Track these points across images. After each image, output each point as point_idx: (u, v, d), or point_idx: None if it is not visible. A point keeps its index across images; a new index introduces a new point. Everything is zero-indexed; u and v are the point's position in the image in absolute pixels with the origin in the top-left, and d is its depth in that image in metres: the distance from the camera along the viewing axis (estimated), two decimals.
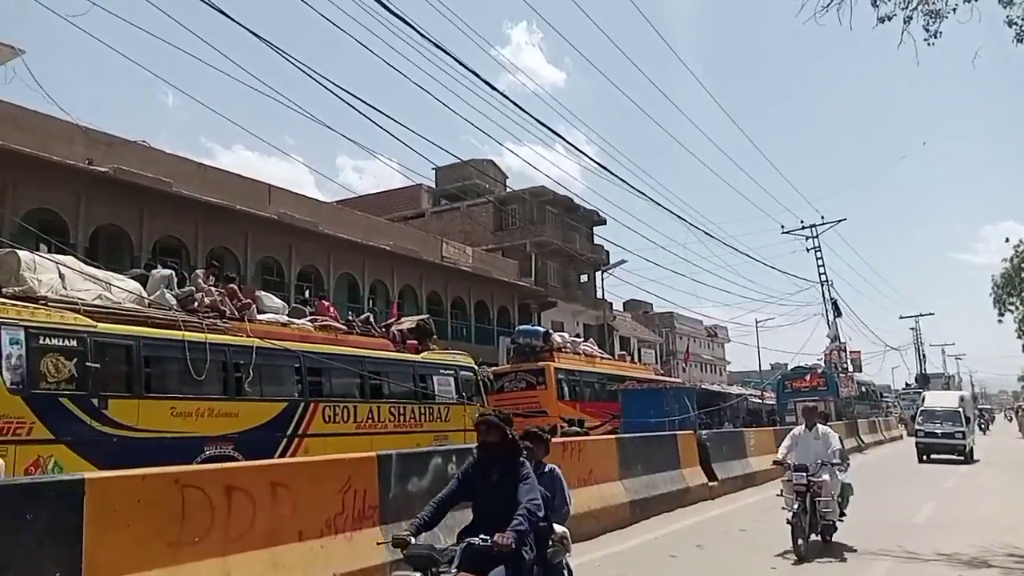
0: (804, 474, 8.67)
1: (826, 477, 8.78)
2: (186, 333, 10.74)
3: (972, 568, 7.71)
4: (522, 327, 24.99)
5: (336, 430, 12.67)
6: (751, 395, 42.50)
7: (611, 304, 46.57)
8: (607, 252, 45.38)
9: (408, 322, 16.64)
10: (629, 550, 9.04)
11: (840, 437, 9.51)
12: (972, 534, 9.50)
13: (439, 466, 7.71)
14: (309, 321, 13.65)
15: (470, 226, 41.26)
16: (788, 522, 8.39)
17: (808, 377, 35.47)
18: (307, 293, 26.15)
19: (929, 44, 10.60)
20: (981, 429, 38.02)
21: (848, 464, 9.69)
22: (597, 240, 46.56)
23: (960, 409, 23.44)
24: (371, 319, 15.66)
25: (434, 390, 15.20)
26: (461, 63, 11.84)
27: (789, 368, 40.87)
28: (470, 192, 42.55)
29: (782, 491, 8.93)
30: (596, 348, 26.36)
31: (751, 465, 16.90)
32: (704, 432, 16.34)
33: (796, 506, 8.47)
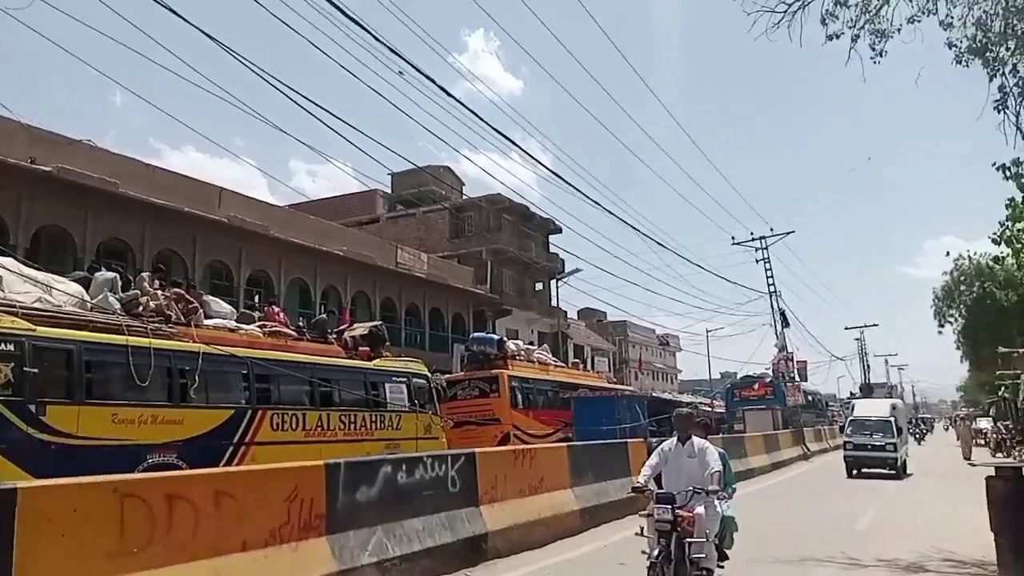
0: (669, 507, 6.28)
1: (700, 509, 6.38)
2: (129, 338, 10.45)
3: (910, 573, 7.95)
4: (476, 334, 24.93)
5: (284, 438, 12.46)
6: (701, 403, 43.14)
7: (566, 312, 46.83)
8: (562, 260, 45.66)
9: (361, 328, 16.48)
10: (580, 557, 9.10)
11: (723, 454, 7.13)
12: (911, 541, 9.79)
13: (389, 475, 7.66)
14: (258, 327, 13.42)
15: (426, 232, 41.12)
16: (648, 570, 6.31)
17: (756, 386, 36.23)
18: (257, 298, 25.66)
19: (875, 62, 10.97)
20: (916, 439, 38.75)
21: (733, 491, 7.57)
22: (553, 248, 46.84)
23: (892, 419, 21.64)
24: (325, 321, 15.45)
25: (386, 398, 15.07)
26: (418, 69, 11.83)
27: (738, 377, 41.69)
28: (426, 198, 42.41)
29: (641, 529, 6.72)
30: (550, 356, 26.43)
31: None
32: (655, 440, 16.50)
33: (657, 550, 6.27)
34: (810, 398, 46.87)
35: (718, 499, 6.76)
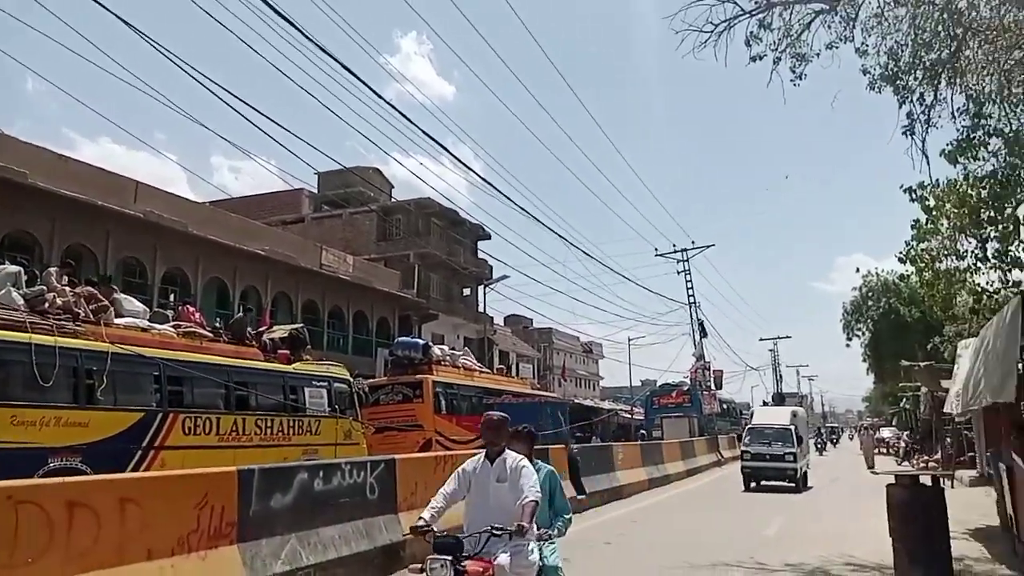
0: (448, 559, 4.16)
1: (503, 559, 4.41)
2: (33, 335, 9.94)
3: None
4: (401, 339, 24.70)
5: (196, 443, 12.06)
6: (622, 410, 43.91)
7: (492, 318, 46.90)
8: (490, 267, 45.74)
9: (281, 331, 16.12)
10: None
11: (552, 474, 5.30)
12: (816, 546, 10.17)
13: (305, 482, 7.51)
14: (172, 327, 12.96)
15: (352, 234, 40.55)
16: None
17: (674, 394, 37.08)
18: (172, 297, 24.82)
19: (795, 85, 11.44)
20: (818, 448, 39.12)
21: (565, 525, 5.25)
22: (481, 254, 46.87)
23: (792, 427, 20.22)
24: (243, 322, 15.03)
25: (305, 402, 14.78)
26: (347, 68, 11.67)
27: (657, 385, 42.60)
28: (354, 200, 41.85)
29: None
30: (475, 362, 26.44)
31: (618, 479, 17.45)
32: (575, 447, 16.72)
33: None
34: (725, 406, 48.31)
35: (537, 541, 4.74)
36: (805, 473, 20.56)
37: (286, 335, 15.70)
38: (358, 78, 12.01)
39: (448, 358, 23.02)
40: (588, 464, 15.73)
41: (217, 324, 14.91)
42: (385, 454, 11.92)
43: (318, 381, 15.40)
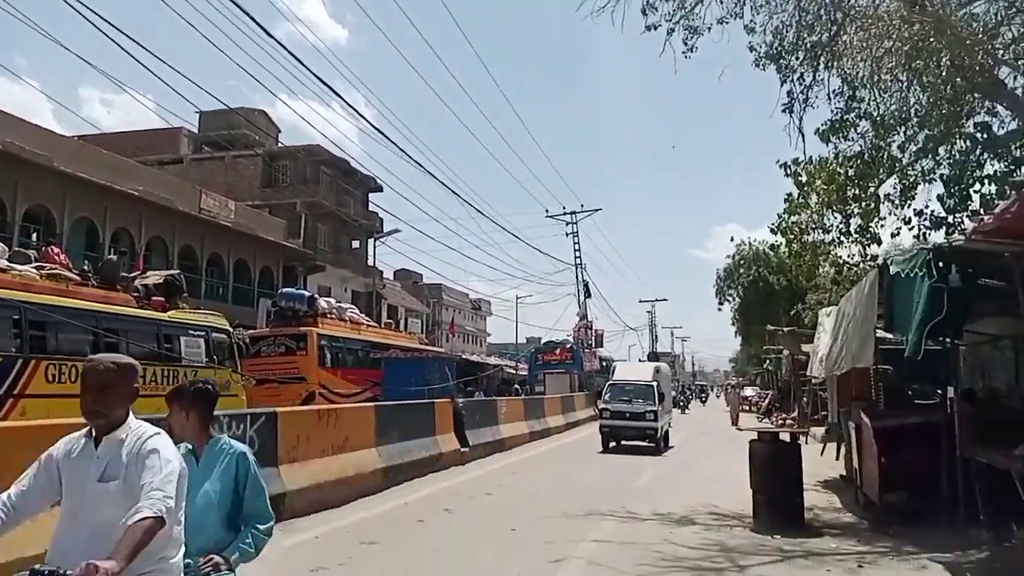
0: None
1: None
2: None
3: (681, 525, 8.77)
4: (285, 290, 23.98)
5: (62, 391, 11.32)
6: (507, 366, 44.66)
7: (381, 272, 46.28)
8: (381, 220, 44.94)
9: (155, 276, 15.27)
10: (379, 515, 9.13)
11: (241, 457, 3.27)
12: (683, 497, 10.78)
13: None
14: (34, 268, 12.03)
15: (235, 178, 38.69)
16: None
17: (558, 351, 38.05)
18: (35, 236, 22.99)
19: (687, 57, 11.75)
20: (680, 406, 39.54)
21: (257, 540, 3.25)
22: (372, 207, 45.92)
23: (654, 384, 19.12)
24: (114, 265, 14.11)
25: (181, 352, 14.15)
26: (234, 2, 11.01)
27: (542, 342, 43.53)
28: (237, 142, 39.81)
29: None
30: (362, 315, 26.08)
31: (501, 432, 17.81)
32: (461, 400, 16.91)
33: None
34: (605, 364, 49.99)
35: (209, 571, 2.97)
36: (667, 432, 19.57)
37: (161, 281, 14.90)
38: (246, 12, 11.37)
39: (334, 311, 22.59)
40: (472, 417, 15.96)
41: (85, 267, 13.93)
42: (266, 407, 11.66)
43: (195, 330, 14.76)
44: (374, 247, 40.96)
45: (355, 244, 45.85)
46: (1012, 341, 10.69)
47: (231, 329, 16.20)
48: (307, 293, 23.06)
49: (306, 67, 14.53)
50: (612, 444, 18.27)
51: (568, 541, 7.66)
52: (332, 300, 24.82)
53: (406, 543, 7.65)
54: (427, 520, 8.88)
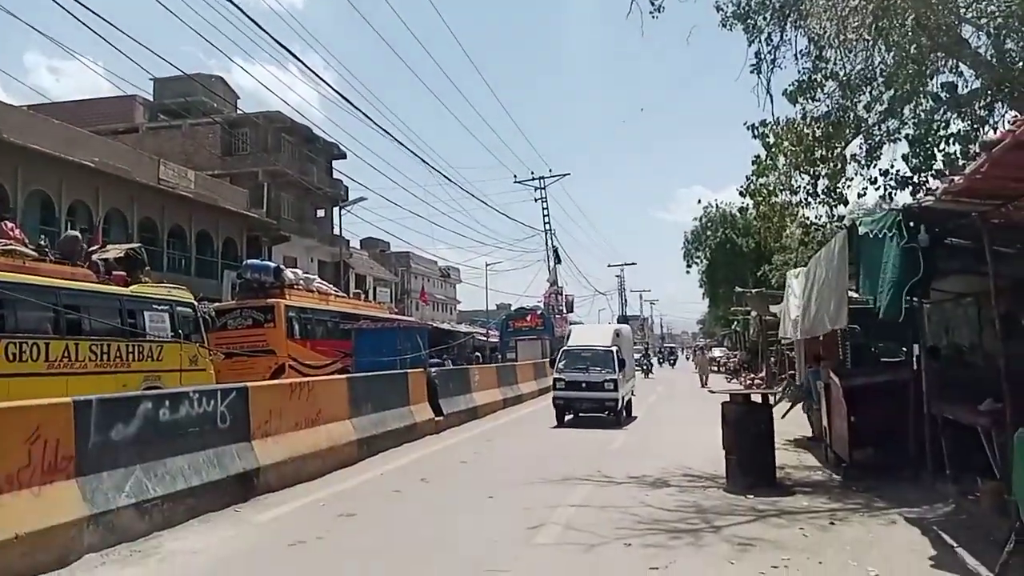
0: None
1: None
2: None
3: (655, 487, 8.90)
4: (250, 261, 23.62)
5: (22, 370, 11.10)
6: (478, 333, 44.73)
7: (348, 241, 45.83)
8: (346, 188, 44.35)
9: (115, 250, 14.91)
10: (355, 487, 9.13)
11: None
12: (657, 458, 10.95)
13: (150, 411, 7.10)
14: None
15: (193, 147, 37.76)
16: None
17: (528, 318, 38.19)
18: None
19: (654, 17, 11.65)
20: (644, 370, 38.74)
21: None
22: (336, 175, 45.26)
23: (614, 349, 16.92)
24: (74, 241, 13.72)
25: (145, 327, 13.89)
26: None
27: (512, 309, 43.63)
28: (194, 110, 38.76)
29: None
30: (330, 286, 25.83)
31: (475, 400, 17.88)
32: (433, 369, 16.90)
33: None
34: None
35: None
36: (629, 402, 17.81)
37: (122, 255, 14.56)
38: None
39: (302, 282, 22.33)
40: (446, 387, 15.98)
41: (42, 242, 13.53)
42: (234, 380, 11.53)
43: (159, 304, 14.49)
44: (340, 216, 40.53)
45: (320, 213, 45.25)
46: (975, 299, 10.93)
47: (196, 302, 15.94)
48: (273, 264, 22.77)
49: (263, 29, 14.07)
50: (568, 417, 16.62)
51: (546, 507, 7.74)
52: (299, 271, 24.51)
53: (383, 514, 7.66)
54: (404, 491, 8.90)
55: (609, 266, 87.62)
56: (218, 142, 38.78)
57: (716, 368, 38.91)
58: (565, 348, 17.86)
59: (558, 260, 41.32)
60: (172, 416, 7.39)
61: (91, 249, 14.52)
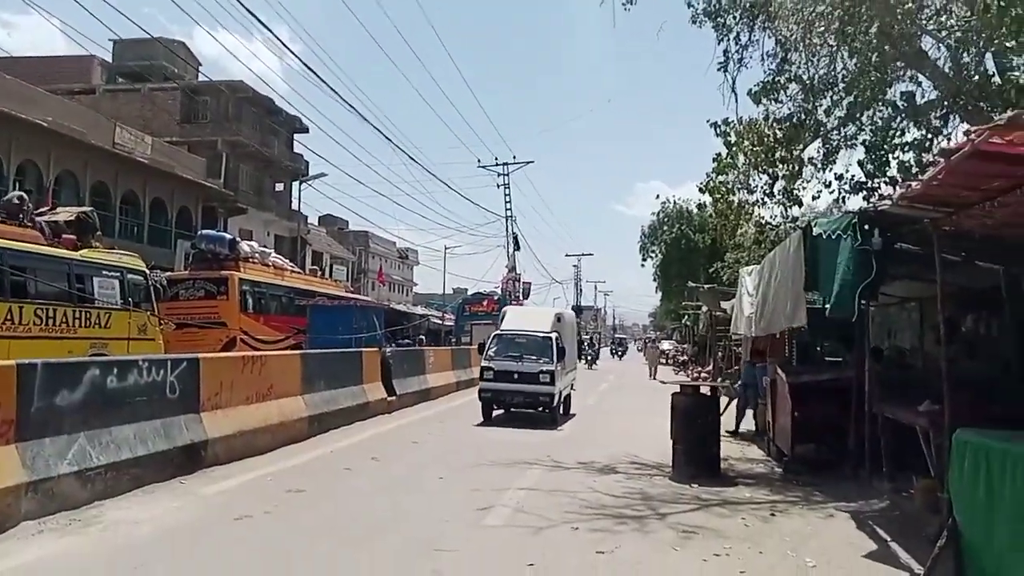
0: None
1: None
2: None
3: (603, 473, 8.98)
4: (205, 231, 23.07)
5: None
6: (433, 316, 44.55)
7: (306, 217, 45.14)
8: (307, 162, 43.66)
9: (66, 213, 14.40)
10: (305, 464, 9.01)
11: None
12: (606, 445, 11.05)
13: (97, 378, 6.89)
14: None
15: (152, 112, 36.66)
16: None
17: (485, 303, 38.11)
18: None
19: (627, 9, 11.66)
20: (587, 360, 37.80)
21: None
22: (298, 148, 44.48)
23: (553, 336, 14.73)
24: (21, 201, 13.19)
25: (94, 293, 13.48)
26: None
27: (469, 293, 43.54)
28: (155, 74, 37.63)
29: None
30: (286, 261, 25.41)
31: (428, 381, 17.81)
32: (388, 349, 16.76)
33: None
34: None
35: None
36: (568, 398, 15.72)
37: (72, 218, 14.06)
38: None
39: (257, 255, 21.92)
40: (401, 367, 15.87)
41: None
42: (184, 351, 11.27)
43: (109, 271, 14.06)
44: (299, 190, 39.84)
45: (279, 187, 44.47)
46: (918, 303, 11.24)
47: (147, 271, 15.52)
48: (228, 236, 22.29)
49: None
50: (497, 413, 14.45)
51: (495, 489, 7.74)
52: (254, 244, 24.02)
53: (332, 491, 7.58)
54: (354, 468, 8.82)
55: (567, 255, 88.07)
56: (178, 108, 37.75)
57: (665, 361, 39.44)
58: (497, 332, 15.61)
59: (517, 247, 41.33)
60: (120, 384, 7.18)
61: (39, 211, 14.00)
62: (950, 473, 5.13)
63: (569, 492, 7.73)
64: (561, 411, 14.82)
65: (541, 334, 14.89)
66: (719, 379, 19.94)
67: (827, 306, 7.37)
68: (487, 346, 14.90)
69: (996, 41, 8.65)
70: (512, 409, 14.43)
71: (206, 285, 19.51)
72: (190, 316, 18.46)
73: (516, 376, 13.93)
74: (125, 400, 7.21)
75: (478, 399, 14.19)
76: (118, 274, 14.23)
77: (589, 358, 38.97)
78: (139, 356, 8.97)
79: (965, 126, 9.12)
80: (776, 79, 11.77)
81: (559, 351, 14.43)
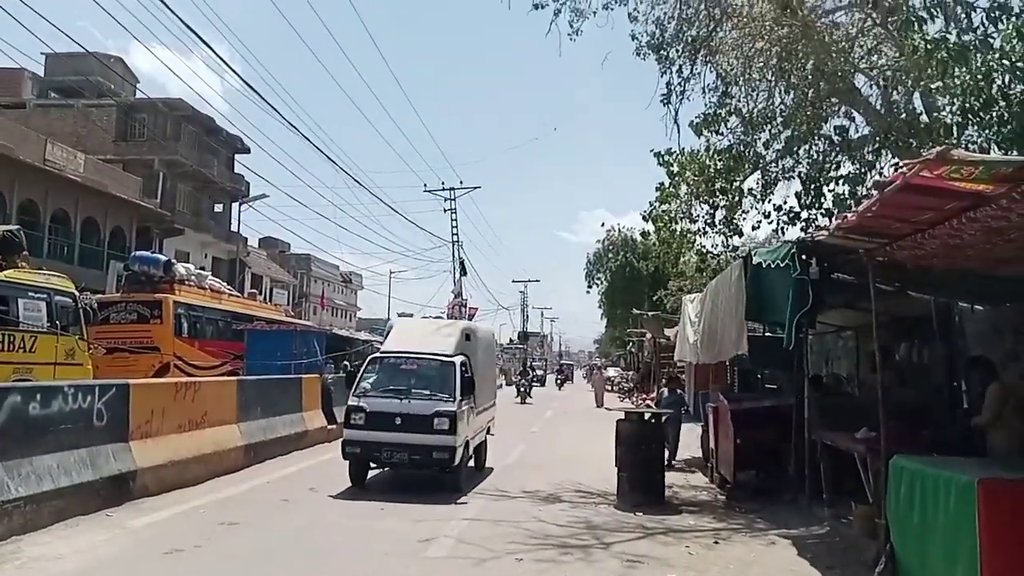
0: None
1: None
2: None
3: (548, 503, 8.94)
4: (139, 253, 22.37)
5: None
6: (377, 341, 43.97)
7: (246, 239, 44.28)
8: (248, 183, 42.85)
9: None
10: (240, 495, 8.74)
11: None
12: (550, 473, 11.01)
13: (18, 405, 6.59)
14: None
15: (86, 129, 35.59)
16: None
17: None
18: None
19: (572, 39, 11.89)
20: (522, 390, 33.37)
21: None
22: (238, 168, 43.61)
23: (457, 361, 10.19)
24: None
25: (18, 315, 12.89)
26: None
27: (414, 317, 43.11)
28: (90, 89, 36.60)
29: None
30: (224, 284, 24.81)
31: None
32: (329, 376, 16.46)
33: None
34: None
35: None
36: (482, 448, 11.47)
37: None
38: None
39: (193, 278, 21.33)
40: (342, 394, 15.55)
41: None
42: (115, 378, 10.86)
43: (35, 292, 13.47)
44: (239, 212, 39.06)
45: (218, 208, 43.57)
46: (855, 332, 11.59)
47: (77, 293, 14.94)
48: (163, 257, 21.64)
49: (168, 7, 13.06)
50: (373, 473, 10.08)
51: (438, 519, 7.63)
52: (190, 266, 23.41)
53: (268, 523, 7.35)
54: (291, 499, 8.58)
55: (514, 281, 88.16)
56: (113, 126, 36.76)
57: (610, 388, 39.69)
58: (374, 355, 11.12)
59: (464, 272, 41.15)
60: (43, 411, 6.87)
61: None
62: (887, 498, 5.27)
63: (514, 522, 7.67)
64: (468, 467, 10.43)
65: (440, 358, 10.20)
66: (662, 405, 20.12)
67: (773, 334, 7.56)
68: (359, 376, 10.15)
69: (922, 83, 9.07)
70: (388, 468, 10.13)
71: (139, 308, 18.87)
72: (122, 341, 17.82)
73: (399, 421, 9.36)
74: (48, 428, 6.89)
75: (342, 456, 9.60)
76: (45, 296, 13.65)
77: (523, 390, 33.50)
78: (65, 381, 8.60)
79: (895, 160, 9.53)
80: (717, 112, 12.14)
81: (465, 383, 10.00)
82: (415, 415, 9.42)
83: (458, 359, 10.26)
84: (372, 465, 9.85)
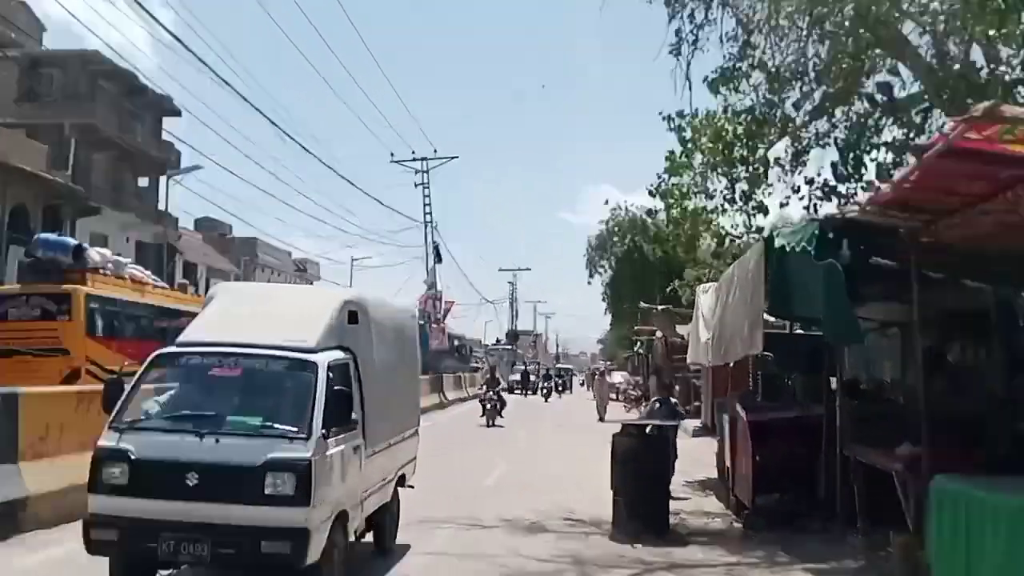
0: None
1: None
2: None
3: (531, 533, 8.91)
4: (44, 235, 22.17)
5: None
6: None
7: (178, 220, 44.08)
8: (179, 153, 42.66)
9: None
10: None
11: None
12: (535, 497, 10.99)
13: None
14: None
15: None
16: None
17: None
18: None
19: None
20: (488, 413, 25.32)
21: None
22: (166, 136, 43.39)
23: (324, 359, 6.53)
24: None
25: None
26: None
27: None
28: None
29: None
30: (149, 273, 24.68)
31: None
32: None
33: None
34: (457, 343, 50.08)
35: None
36: (383, 513, 7.73)
37: None
38: None
39: (110, 265, 21.18)
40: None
41: None
42: (10, 385, 10.73)
43: None
44: (168, 187, 38.84)
45: (143, 182, 43.41)
46: (900, 329, 11.56)
47: None
48: (74, 241, 21.46)
49: None
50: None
51: (394, 554, 7.57)
52: (108, 252, 23.24)
53: None
54: None
55: (500, 270, 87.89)
56: (15, 83, 36.51)
57: (615, 396, 39.69)
58: (167, 350, 7.19)
59: (439, 259, 41.15)
60: None
61: None
62: (928, 527, 5.23)
63: (487, 556, 7.64)
64: (365, 544, 7.65)
65: (287, 356, 6.68)
66: (677, 418, 20.15)
67: (805, 331, 7.51)
68: (128, 387, 6.69)
69: (979, 29, 9.02)
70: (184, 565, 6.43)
71: (43, 302, 18.74)
72: (23, 341, 17.69)
73: (195, 480, 5.89)
74: None
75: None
76: None
77: (489, 409, 25.94)
78: None
79: (948, 122, 9.49)
80: (737, 65, 12.06)
81: (337, 403, 6.44)
82: (226, 467, 5.92)
83: (324, 357, 6.64)
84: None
